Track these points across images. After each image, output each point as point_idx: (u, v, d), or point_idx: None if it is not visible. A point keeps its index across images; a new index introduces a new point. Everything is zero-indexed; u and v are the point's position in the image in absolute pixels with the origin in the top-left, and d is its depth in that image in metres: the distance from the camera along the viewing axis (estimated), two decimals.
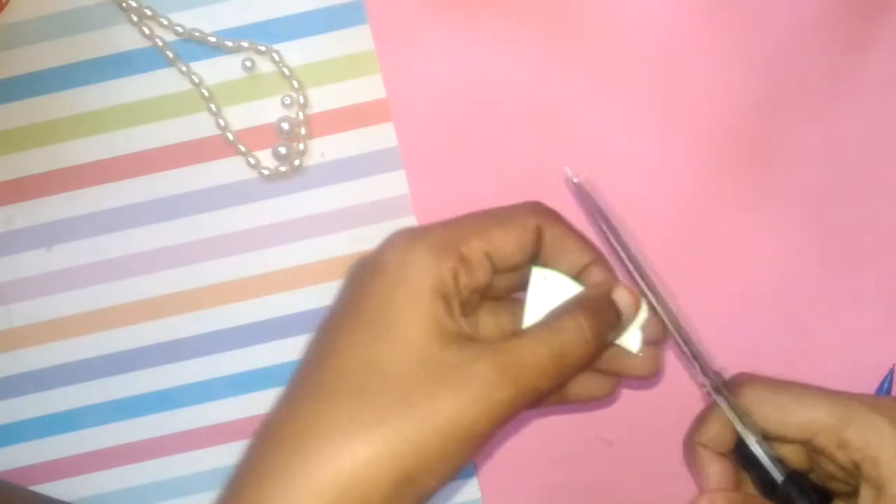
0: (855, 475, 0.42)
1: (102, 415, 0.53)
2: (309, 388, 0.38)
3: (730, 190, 0.52)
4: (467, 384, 0.37)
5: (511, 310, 0.43)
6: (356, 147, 0.52)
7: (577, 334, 0.39)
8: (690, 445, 0.45)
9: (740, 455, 0.44)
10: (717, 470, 0.44)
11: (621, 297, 0.42)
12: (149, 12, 0.51)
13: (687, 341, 0.44)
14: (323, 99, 0.52)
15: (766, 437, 0.43)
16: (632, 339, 0.43)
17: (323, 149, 0.52)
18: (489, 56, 0.52)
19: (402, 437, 0.36)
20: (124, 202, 0.52)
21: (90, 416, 0.53)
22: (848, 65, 0.52)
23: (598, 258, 0.43)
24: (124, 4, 0.51)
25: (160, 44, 0.51)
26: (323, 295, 0.53)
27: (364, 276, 0.39)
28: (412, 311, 0.37)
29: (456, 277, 0.39)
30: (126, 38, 0.52)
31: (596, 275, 0.42)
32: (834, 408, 0.42)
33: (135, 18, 0.51)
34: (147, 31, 0.51)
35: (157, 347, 0.53)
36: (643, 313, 0.43)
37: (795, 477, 0.43)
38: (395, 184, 0.52)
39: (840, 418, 0.42)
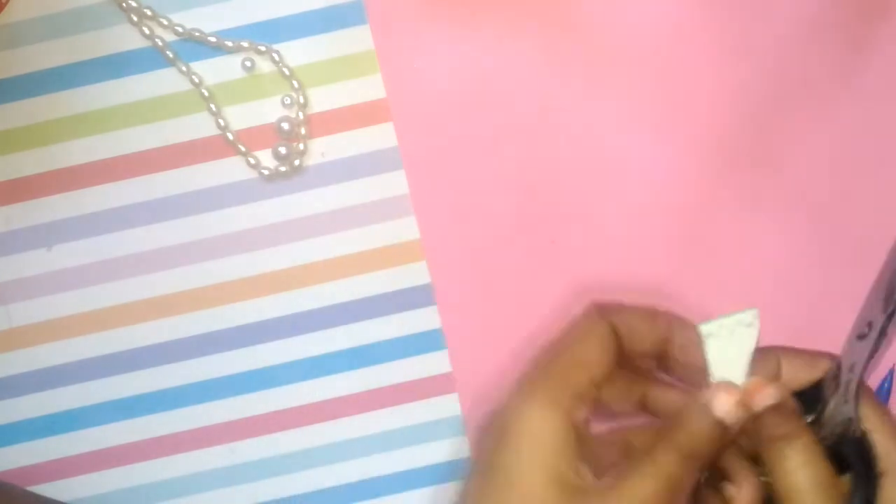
0: None
1: (102, 415, 0.53)
2: None
3: (730, 190, 0.52)
4: None
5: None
6: (356, 147, 0.52)
7: (679, 462, 0.40)
8: (774, 355, 0.44)
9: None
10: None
11: (720, 405, 0.41)
12: (149, 12, 0.51)
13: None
14: (323, 99, 0.52)
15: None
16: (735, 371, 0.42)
17: (323, 149, 0.52)
18: (489, 56, 0.52)
19: None
20: (124, 202, 0.52)
21: (90, 416, 0.53)
22: (849, 65, 0.52)
23: (676, 321, 0.43)
24: (124, 4, 0.51)
25: (160, 44, 0.51)
26: (323, 295, 0.53)
27: (489, 439, 0.41)
28: (540, 475, 0.39)
29: (575, 419, 0.40)
30: (126, 38, 0.52)
31: (680, 345, 0.43)
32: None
33: (135, 18, 0.51)
34: (147, 31, 0.51)
35: (157, 347, 0.53)
36: (752, 340, 0.42)
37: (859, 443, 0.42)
38: (395, 184, 0.52)
39: None
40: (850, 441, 0.42)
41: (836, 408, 0.42)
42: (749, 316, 0.43)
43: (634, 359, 0.44)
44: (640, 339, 0.43)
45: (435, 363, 0.53)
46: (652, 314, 0.43)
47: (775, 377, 0.43)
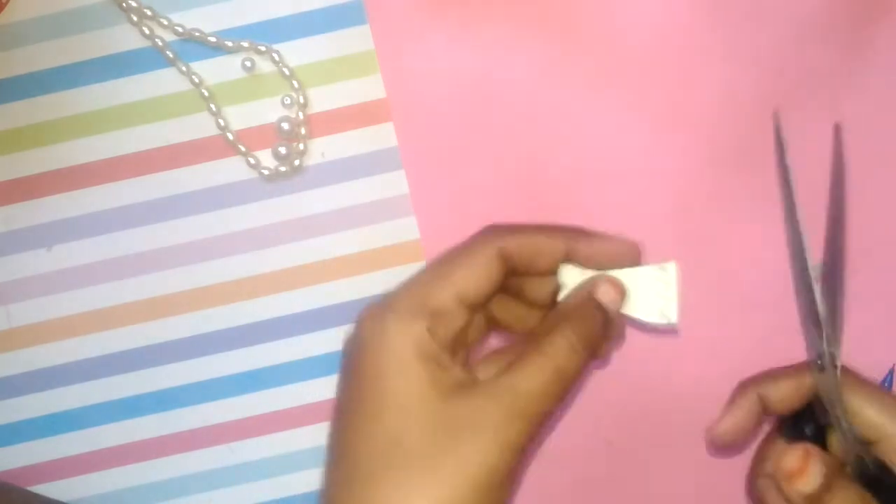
0: None
1: (102, 415, 0.53)
2: (340, 476, 0.40)
3: (730, 190, 0.52)
4: (479, 430, 0.38)
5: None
6: (356, 147, 0.52)
7: (568, 351, 0.40)
8: (749, 389, 0.44)
9: (802, 434, 0.44)
10: (746, 418, 0.44)
11: (604, 294, 0.42)
12: (149, 12, 0.51)
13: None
14: (323, 99, 0.52)
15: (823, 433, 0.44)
16: (668, 310, 0.43)
17: (323, 149, 0.52)
18: (489, 56, 0.52)
19: (437, 502, 0.37)
20: (124, 202, 0.52)
21: (90, 416, 0.53)
22: (848, 65, 0.52)
23: (578, 236, 0.43)
24: (124, 4, 0.51)
25: (160, 44, 0.51)
26: (323, 295, 0.53)
27: (352, 358, 0.41)
28: (405, 380, 0.39)
29: (434, 333, 0.40)
30: (126, 38, 0.52)
31: (585, 252, 0.43)
32: None
33: (135, 18, 0.51)
34: (147, 31, 0.51)
35: (157, 347, 0.53)
36: (673, 280, 0.43)
37: (885, 467, 0.43)
38: (395, 184, 0.52)
39: None
40: (872, 474, 0.42)
41: (843, 445, 0.43)
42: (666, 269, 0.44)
43: (536, 274, 0.43)
44: (535, 262, 0.42)
45: None
46: (549, 236, 0.43)
47: (759, 411, 0.44)
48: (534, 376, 0.39)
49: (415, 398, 0.38)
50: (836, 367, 0.43)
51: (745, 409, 0.44)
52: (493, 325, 0.45)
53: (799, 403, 0.44)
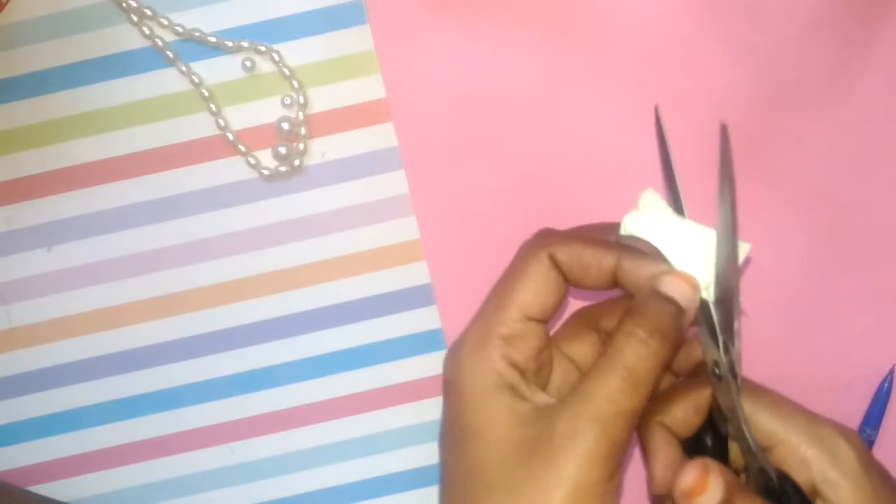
0: (808, 494, 0.41)
1: (102, 415, 0.53)
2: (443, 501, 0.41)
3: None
4: (557, 448, 0.37)
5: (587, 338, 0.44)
6: (356, 147, 0.52)
7: (634, 346, 0.38)
8: (650, 422, 0.43)
9: (702, 445, 0.43)
10: (670, 454, 0.42)
11: (673, 287, 0.40)
12: (149, 12, 0.51)
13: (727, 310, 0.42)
14: (323, 99, 0.52)
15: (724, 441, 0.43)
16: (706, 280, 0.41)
17: (323, 149, 0.52)
18: (489, 56, 0.52)
19: None
20: (124, 202, 0.52)
21: (90, 416, 0.53)
22: (848, 65, 0.52)
23: (625, 253, 0.41)
24: (124, 4, 0.51)
25: (160, 44, 0.51)
26: (323, 295, 0.53)
27: (444, 394, 0.41)
28: (483, 415, 0.39)
29: (510, 359, 0.40)
30: (126, 38, 0.52)
31: (630, 271, 0.41)
32: (805, 424, 0.41)
33: (135, 18, 0.51)
34: (147, 31, 0.51)
35: (157, 347, 0.53)
36: (712, 251, 0.41)
37: (788, 478, 0.42)
38: (395, 184, 0.52)
39: (809, 436, 0.41)
40: (774, 485, 0.41)
41: (745, 456, 0.42)
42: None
43: (587, 288, 0.42)
44: (586, 271, 0.41)
45: (435, 363, 0.53)
46: (601, 246, 0.41)
47: (675, 441, 0.42)
48: (604, 381, 0.38)
49: (493, 430, 0.38)
50: (734, 375, 0.41)
51: (664, 454, 0.42)
52: None
53: (700, 419, 0.42)
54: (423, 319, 0.53)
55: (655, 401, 0.43)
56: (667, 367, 0.40)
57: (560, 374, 0.44)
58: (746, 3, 0.52)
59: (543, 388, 0.42)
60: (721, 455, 0.43)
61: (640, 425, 0.43)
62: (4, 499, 0.51)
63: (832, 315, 0.52)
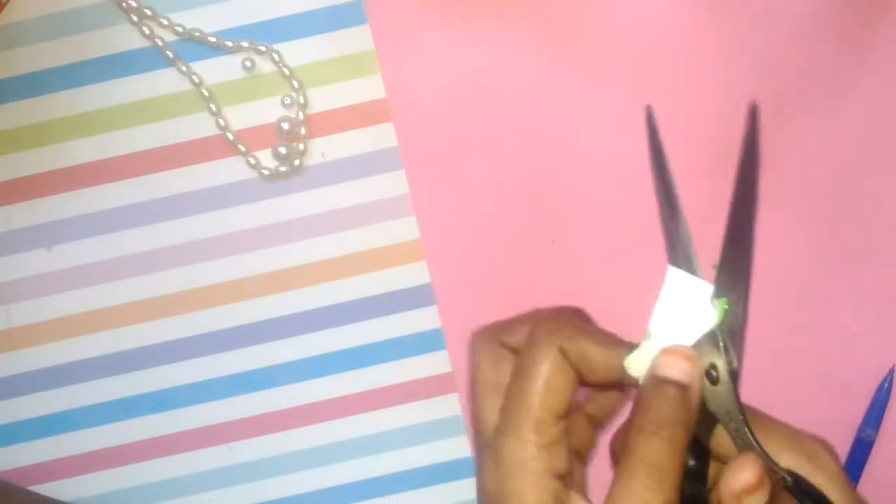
0: None
1: (102, 415, 0.53)
2: None
3: (729, 190, 0.52)
4: None
5: None
6: (356, 147, 0.52)
7: (653, 443, 0.38)
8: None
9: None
10: None
11: (668, 369, 0.39)
12: (149, 12, 0.51)
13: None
14: (323, 99, 0.52)
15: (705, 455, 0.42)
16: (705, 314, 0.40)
17: (323, 149, 0.52)
18: (489, 56, 0.52)
19: None
20: (124, 202, 0.52)
21: (90, 416, 0.53)
22: (848, 65, 0.52)
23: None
24: (124, 4, 0.51)
25: (160, 44, 0.51)
26: (323, 295, 0.53)
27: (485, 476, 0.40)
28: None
29: (555, 472, 0.39)
30: (126, 38, 0.52)
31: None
32: (786, 434, 0.41)
33: (135, 18, 0.51)
34: (147, 31, 0.51)
35: (157, 347, 0.53)
36: (702, 287, 0.40)
37: (800, 477, 0.42)
38: (395, 184, 0.52)
39: (791, 444, 0.40)
40: (789, 488, 0.41)
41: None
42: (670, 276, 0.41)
43: (592, 386, 0.41)
44: (589, 376, 0.40)
45: (435, 363, 0.53)
46: (608, 344, 0.40)
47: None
48: (631, 485, 0.37)
49: None
50: (734, 380, 0.40)
51: None
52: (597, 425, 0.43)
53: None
54: (423, 319, 0.53)
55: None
56: (689, 447, 0.39)
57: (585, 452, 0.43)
58: (746, 3, 0.52)
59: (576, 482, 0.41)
60: (702, 467, 0.42)
61: (612, 446, 0.42)
62: (5, 499, 0.52)
63: (832, 315, 0.52)
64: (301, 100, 0.52)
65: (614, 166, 0.52)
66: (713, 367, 0.41)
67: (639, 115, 0.52)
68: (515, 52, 0.52)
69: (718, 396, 0.41)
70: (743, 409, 0.41)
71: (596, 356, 0.40)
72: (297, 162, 0.52)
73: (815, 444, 0.41)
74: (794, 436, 0.41)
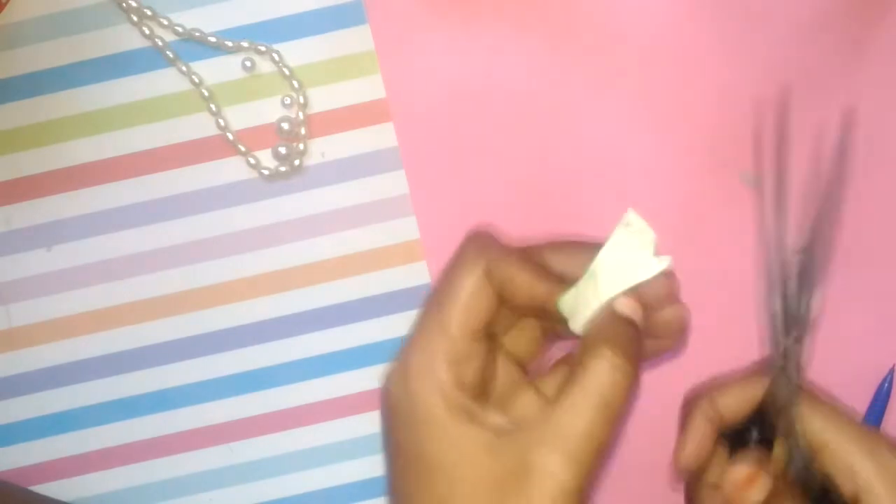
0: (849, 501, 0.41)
1: (102, 415, 0.53)
2: None
3: (729, 190, 0.52)
4: (533, 485, 0.36)
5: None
6: (356, 147, 0.52)
7: (610, 374, 0.37)
8: (699, 399, 0.42)
9: (746, 439, 0.43)
10: (706, 434, 0.42)
11: (630, 309, 0.39)
12: (149, 12, 0.51)
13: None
14: (323, 99, 0.52)
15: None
16: (646, 268, 0.40)
17: (323, 149, 0.52)
18: (489, 56, 0.52)
19: None
20: (124, 202, 0.52)
21: (90, 416, 0.53)
22: (848, 65, 0.52)
23: (561, 283, 0.40)
24: (124, 4, 0.51)
25: (160, 44, 0.51)
26: (323, 295, 0.53)
27: (392, 423, 0.39)
28: (443, 444, 0.37)
29: (462, 384, 0.38)
30: (126, 38, 0.52)
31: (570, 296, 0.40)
32: (858, 433, 0.41)
33: (135, 18, 0.51)
34: (147, 31, 0.51)
35: (157, 347, 0.53)
36: (650, 236, 0.40)
37: (830, 482, 0.41)
38: (395, 184, 0.52)
39: (860, 444, 0.41)
40: (816, 486, 0.41)
41: (790, 453, 0.42)
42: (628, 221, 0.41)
43: (513, 310, 0.41)
44: (514, 295, 0.39)
45: None
46: (537, 274, 0.40)
47: (715, 429, 0.42)
48: (580, 413, 0.36)
49: (457, 460, 0.37)
50: (798, 368, 0.41)
51: (701, 431, 0.42)
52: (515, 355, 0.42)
53: (749, 411, 0.42)
54: None
55: (707, 384, 0.43)
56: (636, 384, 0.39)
57: (504, 377, 0.41)
58: (746, 3, 0.52)
59: (491, 400, 0.40)
60: (764, 452, 0.42)
61: (686, 399, 0.42)
62: (5, 499, 0.51)
63: (832, 315, 0.52)
64: (301, 100, 0.52)
65: (615, 166, 0.52)
66: (785, 353, 0.42)
67: (639, 114, 0.52)
68: (515, 52, 0.52)
69: (780, 385, 0.42)
70: (798, 402, 0.41)
71: (521, 282, 0.39)
72: (297, 162, 0.52)
73: (887, 450, 0.41)
74: (867, 436, 0.41)
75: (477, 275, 0.39)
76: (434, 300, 0.40)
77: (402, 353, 0.40)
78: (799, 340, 0.41)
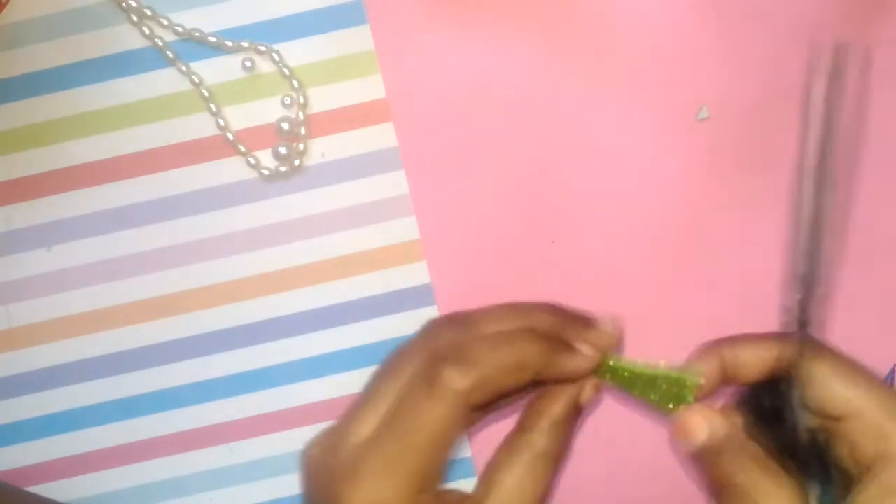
0: (861, 467, 0.40)
1: (102, 415, 0.53)
2: None
3: (729, 190, 0.52)
4: None
5: None
6: (356, 147, 0.52)
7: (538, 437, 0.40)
8: (716, 350, 0.42)
9: (754, 401, 0.42)
10: (715, 374, 0.42)
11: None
12: (149, 12, 0.51)
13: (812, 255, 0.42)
14: (323, 99, 0.52)
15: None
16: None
17: (323, 149, 0.52)
18: (489, 56, 0.52)
19: None
20: (124, 202, 0.52)
21: (90, 416, 0.53)
22: (848, 65, 0.52)
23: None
24: (124, 4, 0.51)
25: (160, 44, 0.51)
26: (323, 295, 0.53)
27: None
28: None
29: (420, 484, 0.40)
30: (126, 38, 0.52)
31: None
32: (888, 395, 0.40)
33: (135, 18, 0.51)
34: (147, 31, 0.51)
35: (157, 347, 0.53)
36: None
37: (818, 447, 0.41)
38: (395, 184, 0.52)
39: (890, 410, 0.40)
40: (814, 449, 0.41)
41: (796, 413, 0.41)
42: None
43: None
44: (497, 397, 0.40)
45: None
46: (510, 374, 0.39)
47: (720, 377, 0.42)
48: (513, 474, 0.40)
49: None
50: (806, 324, 0.40)
51: (713, 368, 0.41)
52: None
53: (761, 373, 0.42)
54: (423, 320, 0.52)
55: (726, 338, 0.42)
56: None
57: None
58: (747, 4, 0.52)
59: None
60: (775, 417, 0.42)
61: (699, 350, 0.42)
62: (5, 499, 0.52)
63: (832, 315, 0.52)
64: (301, 100, 0.52)
65: (614, 166, 0.52)
66: (802, 308, 0.42)
67: (638, 114, 0.52)
68: (515, 52, 0.52)
69: (794, 346, 0.41)
70: (808, 361, 0.41)
71: (506, 383, 0.39)
72: (297, 162, 0.52)
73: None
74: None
75: (450, 403, 0.39)
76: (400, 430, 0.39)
77: (360, 461, 0.38)
78: (811, 297, 0.41)
